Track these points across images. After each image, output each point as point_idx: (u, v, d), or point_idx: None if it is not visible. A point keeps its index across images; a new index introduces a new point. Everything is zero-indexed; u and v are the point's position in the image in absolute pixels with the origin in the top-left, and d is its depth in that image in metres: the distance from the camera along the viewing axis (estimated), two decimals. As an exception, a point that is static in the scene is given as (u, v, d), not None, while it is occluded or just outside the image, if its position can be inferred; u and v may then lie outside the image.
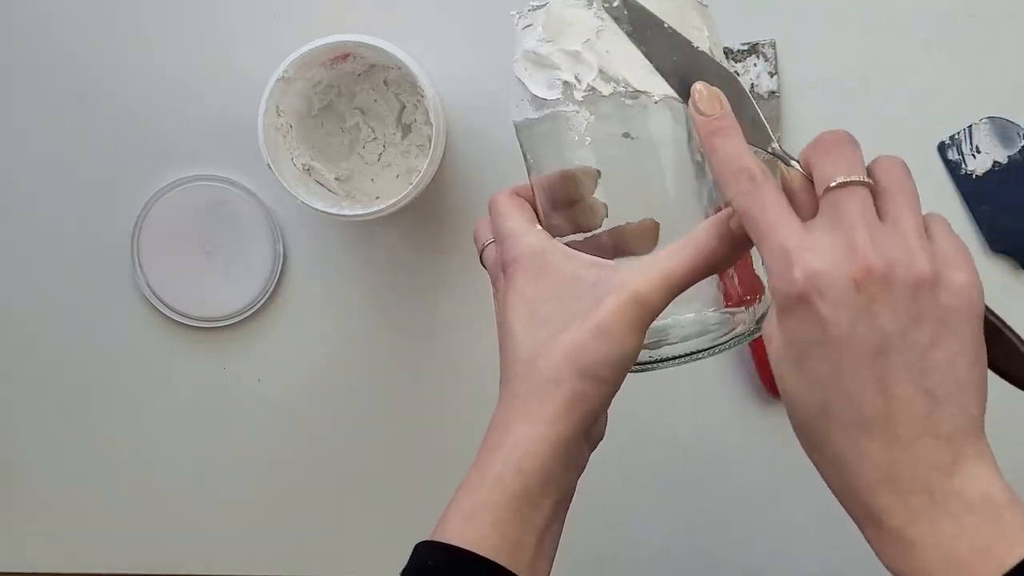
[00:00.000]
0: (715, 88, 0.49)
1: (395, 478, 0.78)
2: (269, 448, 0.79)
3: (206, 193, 0.76)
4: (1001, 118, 0.73)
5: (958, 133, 0.73)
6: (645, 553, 0.78)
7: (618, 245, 0.53)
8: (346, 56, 0.72)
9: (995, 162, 0.73)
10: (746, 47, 0.73)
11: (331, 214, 0.69)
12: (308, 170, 0.73)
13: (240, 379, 0.79)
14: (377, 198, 0.73)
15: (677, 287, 0.48)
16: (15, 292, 0.79)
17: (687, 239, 0.49)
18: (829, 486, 0.46)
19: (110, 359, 0.79)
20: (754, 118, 0.49)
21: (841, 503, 0.46)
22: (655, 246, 0.52)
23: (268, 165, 0.69)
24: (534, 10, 0.53)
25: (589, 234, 0.54)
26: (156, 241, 0.76)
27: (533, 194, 0.56)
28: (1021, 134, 0.73)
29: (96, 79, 0.76)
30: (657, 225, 0.53)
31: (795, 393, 0.45)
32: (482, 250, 0.56)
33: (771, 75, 0.73)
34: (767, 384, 0.74)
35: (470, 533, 0.47)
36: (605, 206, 0.53)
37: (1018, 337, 0.48)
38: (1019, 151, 0.73)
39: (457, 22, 0.74)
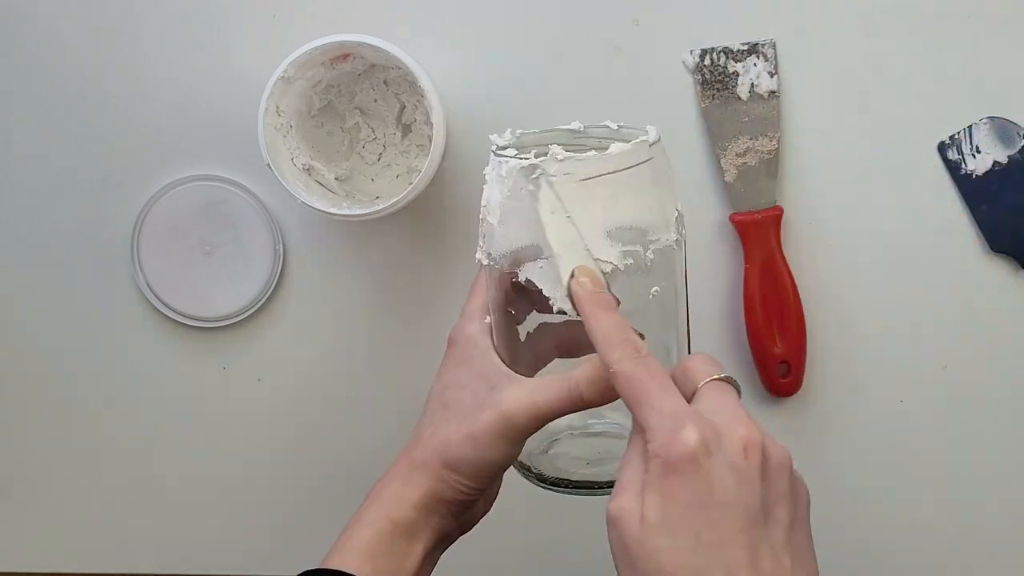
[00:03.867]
0: (597, 275, 0.53)
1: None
2: (269, 448, 0.79)
3: (206, 193, 0.76)
4: (1001, 118, 0.73)
5: (958, 133, 0.73)
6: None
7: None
8: (346, 56, 0.72)
9: (995, 162, 0.73)
10: (746, 47, 0.73)
11: (331, 214, 0.69)
12: (308, 170, 0.73)
13: (240, 379, 0.79)
14: (377, 198, 0.73)
15: (544, 418, 0.54)
16: (15, 292, 0.79)
17: (567, 376, 0.54)
18: None
19: (110, 359, 0.79)
20: None
21: None
22: None
23: (268, 165, 0.69)
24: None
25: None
26: (156, 241, 0.76)
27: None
28: (1021, 134, 0.73)
29: (96, 79, 0.76)
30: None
31: (670, 560, 0.44)
32: None
33: (771, 75, 0.73)
34: (767, 384, 0.74)
35: (349, 563, 0.55)
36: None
37: None
38: (1019, 151, 0.73)
39: (458, 22, 0.74)
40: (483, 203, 0.57)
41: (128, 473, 0.80)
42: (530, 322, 0.59)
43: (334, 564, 0.55)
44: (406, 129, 0.75)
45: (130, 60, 0.76)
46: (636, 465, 0.46)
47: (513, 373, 0.56)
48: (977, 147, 0.73)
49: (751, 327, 0.73)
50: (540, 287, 0.54)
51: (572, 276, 0.52)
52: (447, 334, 0.60)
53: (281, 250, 0.76)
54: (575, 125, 0.56)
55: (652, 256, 0.54)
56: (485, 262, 0.57)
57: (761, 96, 0.73)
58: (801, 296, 0.73)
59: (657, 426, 0.45)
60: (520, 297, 0.58)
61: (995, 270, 0.74)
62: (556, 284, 0.53)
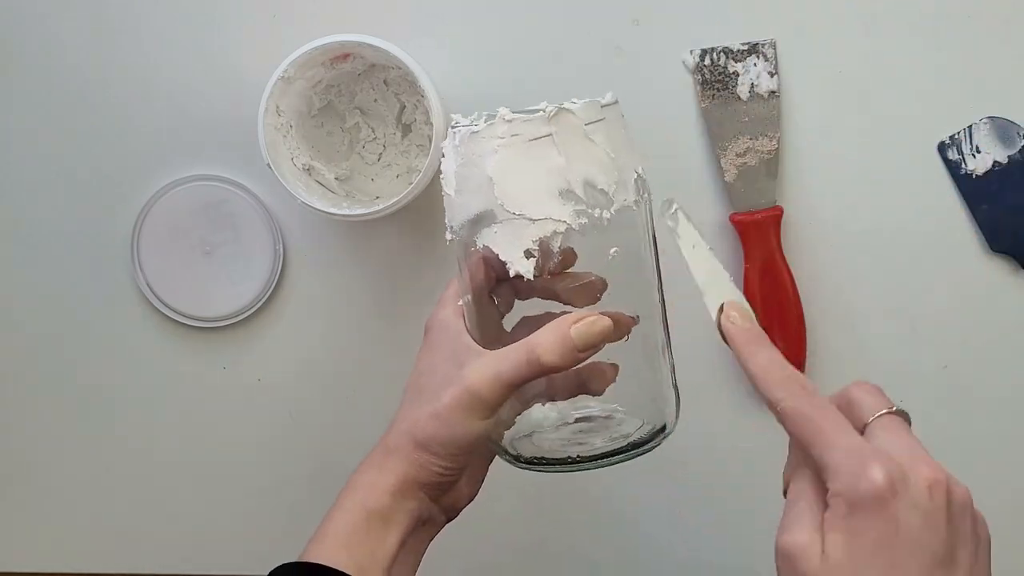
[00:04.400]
0: (746, 308, 0.53)
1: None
2: (269, 448, 0.79)
3: (206, 193, 0.76)
4: (1001, 118, 0.73)
5: (958, 133, 0.73)
6: (646, 557, 0.78)
7: (565, 298, 0.57)
8: (346, 56, 0.72)
9: (995, 162, 0.73)
10: (746, 47, 0.73)
11: (331, 214, 0.69)
12: (308, 170, 0.73)
13: (240, 379, 0.79)
14: (377, 198, 0.73)
15: (509, 387, 0.54)
16: (15, 292, 0.79)
17: (525, 343, 0.53)
18: None
19: (110, 359, 0.79)
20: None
21: None
22: (595, 303, 0.56)
23: (268, 165, 0.69)
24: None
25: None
26: (156, 241, 0.76)
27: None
28: (1021, 134, 0.73)
29: (96, 79, 0.76)
30: (604, 283, 0.57)
31: None
32: None
33: (771, 75, 0.73)
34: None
35: (323, 553, 0.55)
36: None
37: None
38: (1019, 151, 0.73)
39: (458, 22, 0.74)
40: (441, 177, 0.57)
41: (128, 473, 0.80)
42: (514, 316, 0.60)
43: (311, 553, 0.56)
44: (406, 129, 0.75)
45: (130, 60, 0.76)
46: (809, 501, 0.46)
47: (480, 348, 0.56)
48: (977, 147, 0.73)
49: (751, 327, 0.73)
50: (497, 252, 0.54)
51: (721, 311, 0.53)
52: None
53: (281, 250, 0.76)
54: (543, 105, 0.57)
55: (608, 216, 0.54)
56: (449, 236, 0.57)
57: (761, 96, 0.73)
58: (801, 296, 0.73)
59: (840, 465, 0.45)
60: (503, 285, 0.58)
61: (995, 270, 0.74)
62: (511, 248, 0.54)
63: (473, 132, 0.54)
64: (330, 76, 0.73)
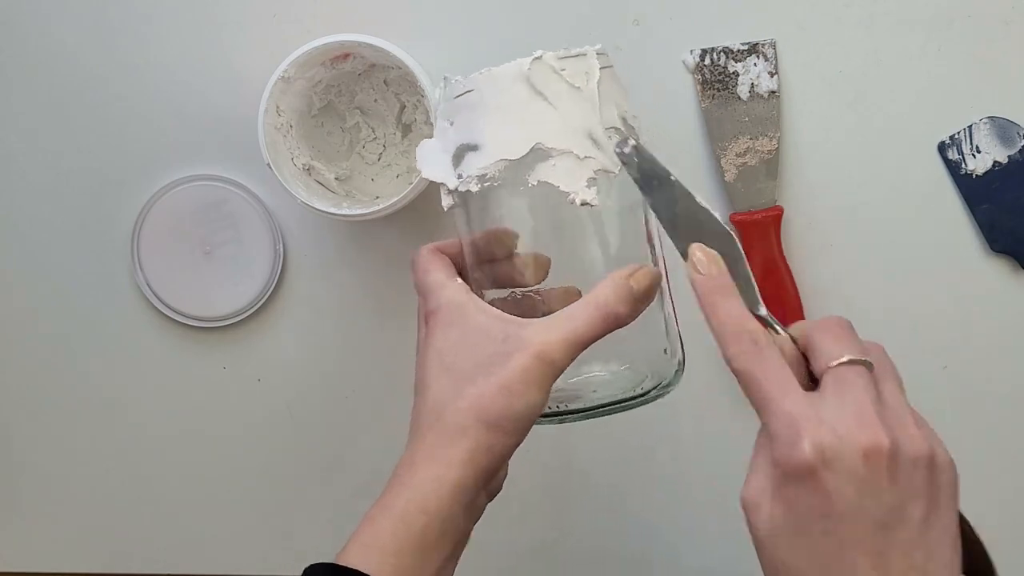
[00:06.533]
0: (712, 251, 0.50)
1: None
2: (269, 448, 0.79)
3: (206, 193, 0.76)
4: (1001, 118, 0.73)
5: (958, 133, 0.73)
6: (646, 551, 0.78)
7: (545, 307, 0.56)
8: (346, 56, 0.72)
9: (995, 162, 0.73)
10: (746, 47, 0.73)
11: (331, 214, 0.69)
12: (308, 170, 0.73)
13: (240, 379, 0.79)
14: (377, 198, 0.73)
15: (580, 346, 0.51)
16: (15, 292, 0.79)
17: (591, 299, 0.52)
18: None
19: (110, 359, 0.79)
20: (746, 279, 0.50)
21: None
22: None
23: (268, 165, 0.69)
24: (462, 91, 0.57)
25: (517, 291, 0.57)
26: (156, 241, 0.76)
27: (461, 248, 0.58)
28: (1021, 134, 0.73)
29: (96, 79, 0.76)
30: (579, 292, 0.56)
31: (791, 565, 0.45)
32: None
33: (771, 75, 0.73)
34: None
35: (370, 561, 0.50)
36: (537, 262, 0.57)
37: (972, 529, 0.49)
38: (1019, 151, 0.73)
39: (457, 22, 0.74)
40: (461, 130, 0.57)
41: (128, 473, 0.80)
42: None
43: (352, 558, 0.51)
44: (406, 129, 0.75)
45: (130, 60, 0.76)
46: (765, 456, 0.46)
47: (516, 316, 0.53)
48: (977, 147, 0.73)
49: (751, 327, 0.73)
50: (557, 184, 0.54)
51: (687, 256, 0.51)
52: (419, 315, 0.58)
53: (281, 250, 0.76)
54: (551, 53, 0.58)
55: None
56: (449, 203, 0.58)
57: (761, 96, 0.73)
58: (801, 296, 0.73)
59: (778, 433, 0.45)
60: (480, 270, 0.57)
61: (995, 270, 0.74)
62: (572, 179, 0.54)
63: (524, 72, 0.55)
64: (330, 76, 0.73)
